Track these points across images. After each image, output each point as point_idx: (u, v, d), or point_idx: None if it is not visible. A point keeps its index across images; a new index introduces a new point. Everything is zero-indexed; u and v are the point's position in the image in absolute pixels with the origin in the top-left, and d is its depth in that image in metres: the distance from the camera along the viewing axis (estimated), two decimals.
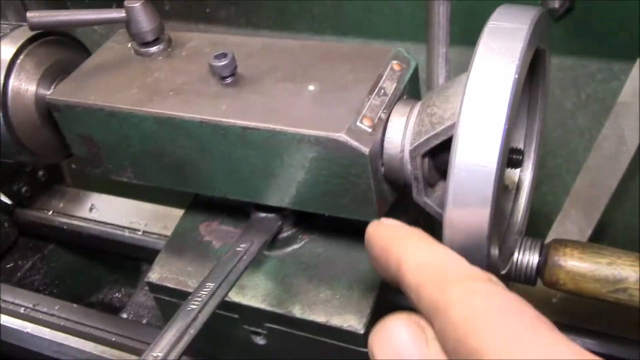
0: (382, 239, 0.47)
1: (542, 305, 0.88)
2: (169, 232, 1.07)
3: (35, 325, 0.96)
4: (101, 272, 1.30)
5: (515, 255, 0.66)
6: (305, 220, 0.78)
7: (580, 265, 0.62)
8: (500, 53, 0.51)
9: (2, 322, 0.98)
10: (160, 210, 1.12)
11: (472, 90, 0.50)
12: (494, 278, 0.42)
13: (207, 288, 0.64)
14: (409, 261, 0.44)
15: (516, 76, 0.50)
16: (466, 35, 1.22)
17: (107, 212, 1.15)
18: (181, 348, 0.58)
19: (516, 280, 0.67)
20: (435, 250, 0.45)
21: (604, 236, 1.22)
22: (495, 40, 0.52)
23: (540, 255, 0.65)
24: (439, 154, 0.61)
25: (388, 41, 1.31)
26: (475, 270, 0.42)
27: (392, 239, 0.46)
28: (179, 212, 1.10)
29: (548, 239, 1.12)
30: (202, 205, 0.86)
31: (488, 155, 0.49)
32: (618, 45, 1.07)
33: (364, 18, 1.31)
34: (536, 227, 1.24)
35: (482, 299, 0.38)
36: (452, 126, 0.55)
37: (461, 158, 0.50)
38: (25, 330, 0.96)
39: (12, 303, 1.02)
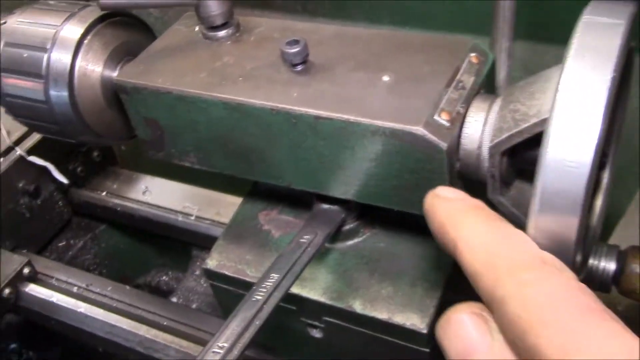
0: (439, 214, 0.48)
1: None
2: (221, 219, 1.07)
3: (88, 305, 0.96)
4: (150, 254, 1.30)
5: (591, 261, 0.63)
6: (368, 213, 0.76)
7: None
8: (597, 49, 0.48)
9: (56, 301, 0.98)
10: (213, 196, 1.12)
11: (567, 86, 0.47)
12: (547, 258, 0.42)
13: (272, 279, 0.63)
14: (464, 246, 0.44)
15: (614, 74, 0.47)
16: (531, 30, 1.19)
17: (160, 195, 1.15)
18: (247, 339, 0.57)
19: (590, 287, 0.64)
20: (490, 231, 0.45)
21: None
22: (591, 35, 0.49)
23: (617, 262, 0.63)
24: (519, 153, 0.58)
25: (448, 33, 1.27)
26: (528, 255, 0.42)
27: (449, 217, 0.47)
28: (232, 199, 1.10)
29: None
30: (261, 193, 0.84)
31: (582, 155, 0.46)
32: None
33: (424, 8, 1.28)
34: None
35: (534, 291, 0.38)
36: (538, 124, 0.53)
37: (552, 156, 0.47)
38: (79, 310, 0.96)
39: (66, 282, 1.03)
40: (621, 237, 1.05)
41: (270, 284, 0.62)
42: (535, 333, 0.37)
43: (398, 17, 1.32)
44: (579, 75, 0.48)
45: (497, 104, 0.59)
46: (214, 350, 0.56)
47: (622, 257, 0.62)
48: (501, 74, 1.24)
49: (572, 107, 0.47)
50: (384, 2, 1.32)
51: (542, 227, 0.49)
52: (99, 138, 0.80)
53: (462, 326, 0.43)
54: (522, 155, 0.58)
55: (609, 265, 0.62)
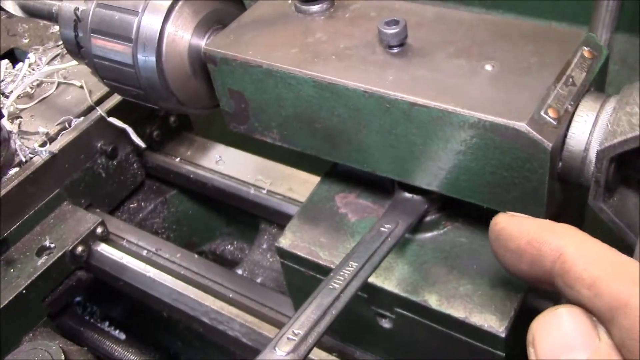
0: (529, 232, 0.47)
1: None
2: (294, 195, 1.05)
3: (157, 271, 0.97)
4: (218, 222, 1.30)
5: None
6: (451, 206, 0.73)
7: None
8: None
9: (126, 263, 0.99)
10: (287, 172, 1.10)
11: None
12: None
13: (350, 267, 0.61)
14: (576, 254, 0.43)
15: None
16: (634, 22, 1.12)
17: (234, 166, 1.14)
18: (323, 327, 0.55)
19: None
20: (601, 245, 0.44)
21: None
22: None
23: None
24: (629, 159, 0.54)
25: (543, 20, 1.21)
26: None
27: (546, 231, 0.46)
28: (306, 176, 1.08)
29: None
30: (339, 174, 0.82)
31: None
32: None
33: None
34: None
35: None
36: None
37: None
38: (148, 274, 0.97)
39: (136, 245, 1.04)
40: None
41: (349, 272, 0.60)
42: None
43: (489, 0, 1.27)
44: None
45: (611, 104, 0.55)
46: (288, 336, 0.54)
47: None
48: None
49: None
50: None
51: None
52: (182, 106, 0.79)
53: (569, 319, 0.42)
54: (632, 162, 0.54)
55: None
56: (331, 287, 0.59)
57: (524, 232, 0.47)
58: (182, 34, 0.76)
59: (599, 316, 0.41)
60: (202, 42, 0.76)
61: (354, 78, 0.62)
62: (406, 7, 0.70)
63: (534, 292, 0.69)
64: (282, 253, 0.78)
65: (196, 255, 1.01)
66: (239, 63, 0.69)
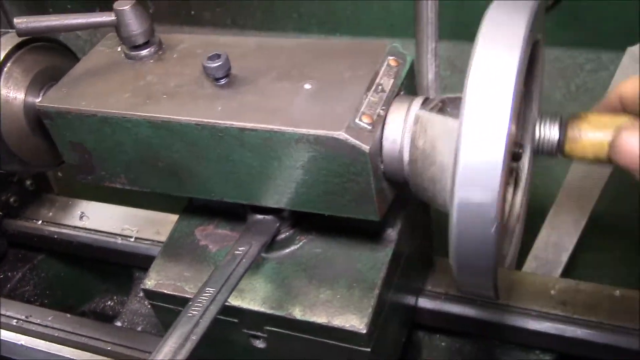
0: None
1: (540, 297, 0.88)
2: (161, 238, 1.06)
3: (29, 337, 0.94)
4: (93, 281, 1.28)
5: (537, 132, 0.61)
6: (303, 221, 0.77)
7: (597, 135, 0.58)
8: (501, 46, 0.50)
9: None
10: (152, 216, 1.11)
11: (474, 84, 0.49)
12: None
13: (207, 293, 0.63)
14: None
15: (519, 69, 0.49)
16: (455, 29, 1.22)
17: (98, 219, 1.13)
18: (184, 355, 0.57)
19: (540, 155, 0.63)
20: None
21: (599, 226, 1.22)
22: (495, 32, 0.51)
23: (559, 131, 0.60)
24: None
25: (376, 38, 1.30)
26: None
27: None
28: (171, 217, 1.09)
29: (542, 231, 1.12)
30: (197, 209, 0.84)
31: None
32: (606, 35, 1.07)
33: (351, 15, 1.30)
34: (531, 219, 1.24)
35: None
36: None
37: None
38: (20, 343, 0.94)
39: (5, 315, 1.00)
40: (553, 224, 1.09)
41: (206, 298, 0.62)
42: None
43: (327, 25, 1.34)
44: (485, 72, 0.50)
45: (417, 103, 0.61)
46: None
47: (564, 126, 0.60)
48: (429, 75, 1.27)
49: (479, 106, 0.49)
50: (313, 13, 1.33)
51: None
52: (26, 166, 0.78)
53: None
54: None
55: (553, 134, 0.60)
56: (190, 314, 0.61)
57: None
58: (15, 95, 0.76)
59: None
60: (37, 100, 0.76)
61: (185, 113, 0.65)
62: (230, 41, 0.74)
63: (389, 285, 0.74)
64: (149, 294, 0.79)
65: (69, 315, 0.99)
66: (74, 115, 0.70)
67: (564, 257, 1.06)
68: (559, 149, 0.59)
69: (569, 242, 1.06)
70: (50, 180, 1.31)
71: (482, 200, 0.49)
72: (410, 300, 0.90)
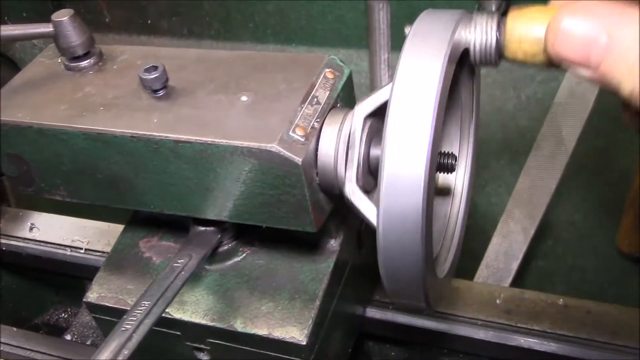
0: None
1: (486, 306, 0.89)
2: None
3: None
4: (45, 292, 1.26)
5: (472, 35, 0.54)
6: (245, 232, 0.77)
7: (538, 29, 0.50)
8: (423, 59, 0.51)
9: None
10: (103, 227, 1.10)
11: (398, 94, 0.50)
12: None
13: (143, 306, 0.62)
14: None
15: (441, 84, 0.50)
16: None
17: (48, 231, 1.12)
18: None
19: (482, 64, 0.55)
20: None
21: (548, 234, 1.24)
22: (418, 46, 0.52)
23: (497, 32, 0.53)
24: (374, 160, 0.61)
25: (331, 48, 1.31)
26: None
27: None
28: (122, 228, 1.08)
29: (493, 240, 1.14)
30: (141, 220, 0.84)
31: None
32: None
33: (306, 25, 1.31)
34: (482, 228, 1.26)
35: None
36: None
37: None
38: None
39: None
40: (503, 232, 1.11)
41: (141, 311, 0.62)
42: None
43: (282, 35, 1.34)
44: (408, 86, 0.50)
45: (350, 115, 0.62)
46: None
47: (502, 24, 0.52)
48: (382, 84, 1.29)
49: (402, 118, 0.50)
50: (268, 22, 1.34)
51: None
52: None
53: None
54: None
55: (490, 36, 0.52)
56: (123, 328, 0.60)
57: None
58: None
59: None
60: None
61: (121, 125, 0.65)
62: (171, 53, 0.74)
63: (330, 298, 0.74)
64: (91, 307, 0.78)
65: (15, 329, 0.98)
66: (10, 127, 0.69)
67: (514, 265, 1.08)
68: (498, 53, 0.52)
69: (519, 251, 1.08)
70: (7, 190, 1.29)
71: (406, 210, 0.50)
72: (356, 309, 0.90)
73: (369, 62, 1.25)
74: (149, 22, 1.45)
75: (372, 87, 1.21)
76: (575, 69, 0.44)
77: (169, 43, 1.45)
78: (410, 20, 1.22)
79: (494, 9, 1.09)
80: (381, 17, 1.19)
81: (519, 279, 1.13)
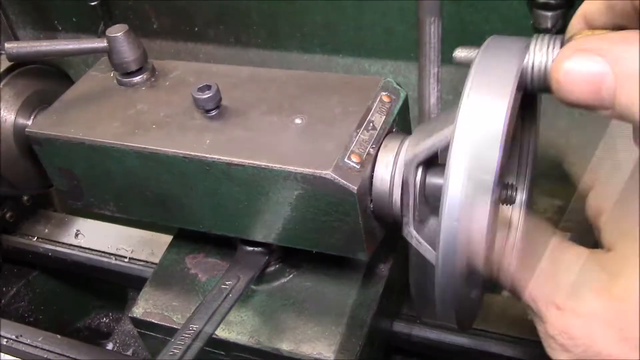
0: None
1: (517, 322, 0.86)
2: (155, 259, 1.05)
3: (17, 359, 0.93)
4: (87, 297, 1.27)
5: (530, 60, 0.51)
6: (292, 253, 0.76)
7: None
8: (489, 91, 0.49)
9: None
10: (147, 236, 1.10)
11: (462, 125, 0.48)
12: None
13: (191, 330, 0.62)
14: None
15: (508, 115, 0.48)
16: None
17: (93, 238, 1.12)
18: None
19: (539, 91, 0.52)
20: None
21: None
22: (484, 77, 0.50)
23: None
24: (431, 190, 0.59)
25: (379, 60, 1.29)
26: None
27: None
28: (166, 238, 1.08)
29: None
30: (188, 236, 0.83)
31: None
32: None
33: (354, 37, 1.29)
34: None
35: None
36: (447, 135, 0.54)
37: None
38: None
39: None
40: None
41: (189, 335, 0.61)
42: None
43: (329, 46, 1.33)
44: (474, 119, 0.49)
45: (406, 144, 0.60)
46: None
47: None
48: (432, 99, 1.26)
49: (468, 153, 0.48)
50: (316, 33, 1.33)
51: None
52: (15, 189, 0.78)
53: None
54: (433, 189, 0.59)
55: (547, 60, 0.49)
56: (171, 353, 0.59)
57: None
58: (5, 117, 0.75)
59: None
60: (28, 123, 0.76)
61: (173, 145, 0.64)
62: (223, 70, 0.73)
63: (377, 322, 0.73)
64: (137, 322, 0.78)
65: (59, 336, 0.98)
66: (62, 142, 0.69)
67: None
68: None
69: None
70: (52, 195, 1.30)
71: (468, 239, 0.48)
72: (387, 324, 0.88)
73: (417, 76, 1.23)
74: (196, 29, 1.44)
75: (421, 101, 1.19)
76: (592, 111, 0.41)
77: (215, 51, 1.45)
78: (461, 36, 1.20)
79: (549, 25, 1.06)
80: (432, 32, 1.16)
81: None
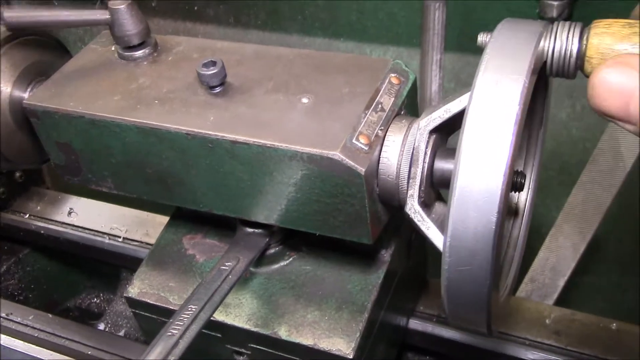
0: None
1: (534, 325, 0.86)
2: (150, 240, 1.03)
3: (8, 337, 0.92)
4: (79, 277, 1.25)
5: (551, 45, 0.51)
6: (293, 236, 0.75)
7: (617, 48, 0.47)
8: (504, 73, 0.48)
9: None
10: (142, 216, 1.08)
11: (476, 106, 0.47)
12: None
13: (190, 311, 0.60)
14: None
15: (522, 102, 0.47)
16: (461, 41, 1.19)
17: (87, 216, 1.10)
18: None
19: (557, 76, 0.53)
20: None
21: (598, 252, 1.20)
22: (498, 58, 0.49)
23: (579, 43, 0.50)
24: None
25: (381, 45, 1.27)
26: None
27: None
28: (161, 219, 1.07)
29: (540, 254, 1.10)
30: (185, 216, 0.82)
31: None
32: None
33: (356, 21, 1.28)
34: (528, 242, 1.22)
35: None
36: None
37: None
38: None
39: None
40: (551, 247, 1.07)
41: (188, 316, 0.60)
42: None
43: (331, 30, 1.31)
44: (487, 103, 0.47)
45: (416, 125, 0.59)
46: None
47: (584, 36, 0.49)
48: (433, 86, 1.25)
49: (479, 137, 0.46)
50: (318, 16, 1.31)
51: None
52: (10, 163, 0.76)
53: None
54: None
55: (570, 47, 0.49)
56: (169, 334, 0.58)
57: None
58: (2, 88, 0.73)
59: None
60: (24, 95, 0.74)
61: (176, 121, 0.62)
62: (228, 47, 0.71)
63: (379, 308, 0.72)
64: (132, 302, 0.77)
65: (50, 315, 0.97)
66: (61, 115, 0.67)
67: (561, 282, 1.04)
68: (576, 66, 0.50)
69: (567, 267, 1.04)
70: (43, 173, 1.28)
71: (477, 232, 0.47)
72: (401, 320, 0.87)
73: (420, 62, 1.21)
74: (196, 8, 1.42)
75: (422, 88, 1.17)
76: (619, 124, 0.42)
77: (214, 30, 1.43)
78: (465, 24, 1.18)
79: (555, 14, 1.05)
80: (437, 17, 1.15)
81: (563, 295, 1.09)
